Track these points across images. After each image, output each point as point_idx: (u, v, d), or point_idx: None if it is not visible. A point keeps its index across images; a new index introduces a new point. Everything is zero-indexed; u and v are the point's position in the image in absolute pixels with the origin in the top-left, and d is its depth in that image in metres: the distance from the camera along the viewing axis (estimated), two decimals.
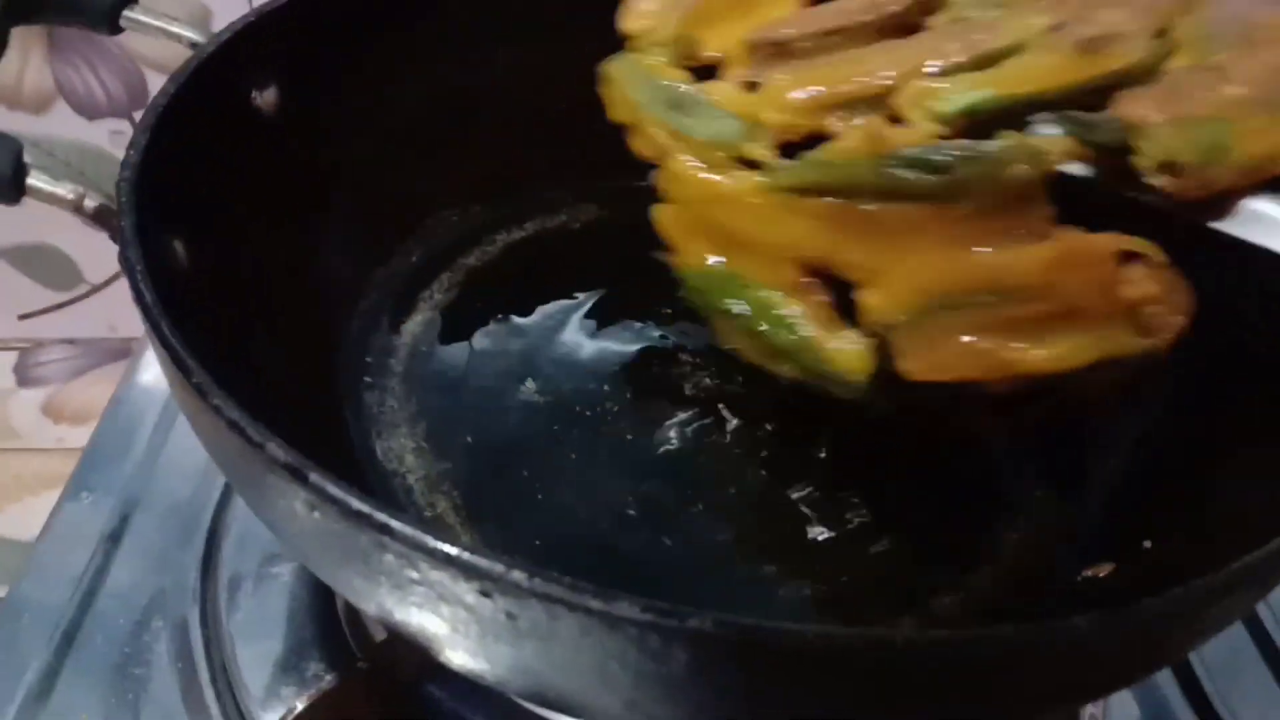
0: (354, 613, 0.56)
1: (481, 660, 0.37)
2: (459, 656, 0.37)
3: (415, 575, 0.34)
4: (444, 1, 0.65)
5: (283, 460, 0.35)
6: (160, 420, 0.70)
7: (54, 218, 0.58)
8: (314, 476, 0.34)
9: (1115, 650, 0.35)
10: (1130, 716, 0.60)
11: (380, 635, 0.53)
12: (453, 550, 0.32)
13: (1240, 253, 0.40)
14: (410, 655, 0.51)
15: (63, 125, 1.04)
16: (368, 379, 0.59)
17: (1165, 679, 0.62)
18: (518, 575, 0.31)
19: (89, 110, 1.03)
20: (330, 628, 0.56)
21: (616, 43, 0.68)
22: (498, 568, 0.32)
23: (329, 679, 0.52)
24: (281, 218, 0.59)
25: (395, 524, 0.33)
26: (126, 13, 0.58)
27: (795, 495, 0.55)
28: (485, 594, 0.32)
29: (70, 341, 1.20)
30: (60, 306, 1.18)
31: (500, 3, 0.67)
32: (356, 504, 0.33)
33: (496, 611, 0.33)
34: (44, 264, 1.14)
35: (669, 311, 0.64)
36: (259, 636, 0.57)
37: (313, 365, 0.58)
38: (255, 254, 0.56)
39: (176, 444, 0.68)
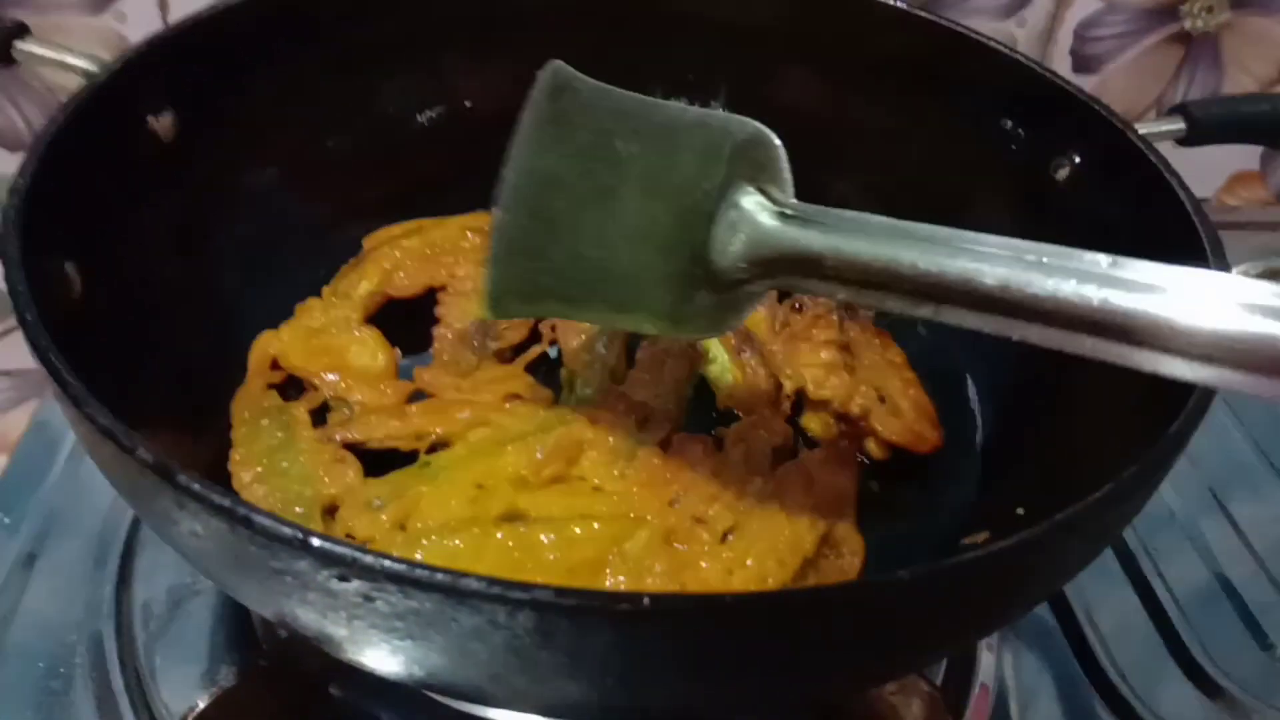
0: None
1: (356, 646, 0.39)
2: (336, 645, 0.39)
3: (279, 565, 0.35)
4: (330, 28, 0.67)
5: (151, 462, 0.36)
6: (76, 445, 0.71)
7: None
8: (180, 476, 0.36)
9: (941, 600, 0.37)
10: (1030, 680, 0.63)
11: (283, 634, 0.55)
12: (308, 538, 0.34)
13: None
14: (311, 653, 0.53)
15: None
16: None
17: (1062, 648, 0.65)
18: (369, 559, 0.33)
19: (10, 142, 1.04)
20: (242, 632, 0.58)
21: (494, 56, 0.71)
22: (349, 552, 0.33)
23: (229, 678, 0.53)
24: (180, 240, 0.60)
25: (255, 516, 0.35)
26: (18, 44, 0.59)
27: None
28: (343, 578, 0.34)
29: (6, 373, 1.20)
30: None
31: (385, 29, 0.69)
32: (218, 499, 0.35)
33: (355, 595, 0.35)
34: None
35: None
36: (173, 645, 0.58)
37: (211, 378, 0.60)
38: (152, 274, 0.57)
39: (91, 467, 0.68)
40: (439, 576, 0.33)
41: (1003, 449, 0.62)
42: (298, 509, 0.53)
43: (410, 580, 0.33)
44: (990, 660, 0.61)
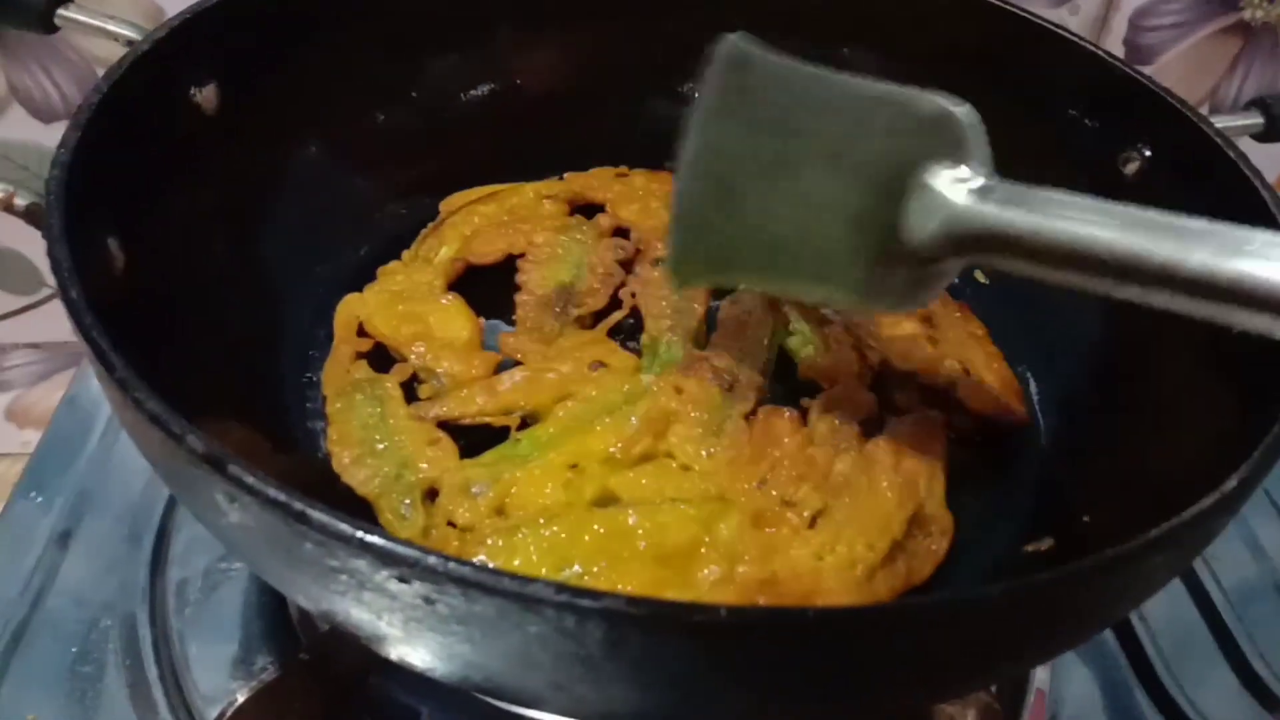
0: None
1: (409, 647, 0.37)
2: (388, 644, 0.38)
3: (335, 564, 0.34)
4: (377, 3, 0.65)
5: (201, 451, 0.35)
6: (111, 421, 0.69)
7: (14, 222, 0.58)
8: (232, 467, 0.34)
9: (1021, 618, 0.35)
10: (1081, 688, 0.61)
11: (324, 627, 0.54)
12: (367, 537, 0.32)
13: None
14: (353, 647, 0.51)
15: (19, 129, 1.03)
16: (310, 375, 0.59)
17: (1115, 655, 0.63)
18: (433, 560, 0.32)
19: (44, 113, 1.02)
20: (279, 622, 0.57)
21: (545, 33, 0.68)
22: (412, 553, 0.32)
23: (270, 671, 0.52)
24: (223, 215, 0.59)
25: (312, 512, 0.33)
26: (61, 11, 0.58)
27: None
28: (403, 580, 0.33)
29: (34, 346, 1.19)
30: (23, 310, 1.17)
31: (435, 3, 0.67)
32: (273, 493, 0.33)
33: (415, 597, 0.33)
34: (6, 269, 1.13)
35: None
36: (208, 632, 0.57)
37: (256, 360, 0.58)
38: (196, 251, 0.56)
39: (127, 444, 0.67)
40: (507, 581, 0.31)
41: (1065, 450, 0.59)
42: (400, 496, 0.53)
43: (476, 584, 0.32)
44: (1044, 666, 0.60)
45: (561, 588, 0.31)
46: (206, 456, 0.35)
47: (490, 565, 0.48)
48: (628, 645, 0.32)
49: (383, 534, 0.32)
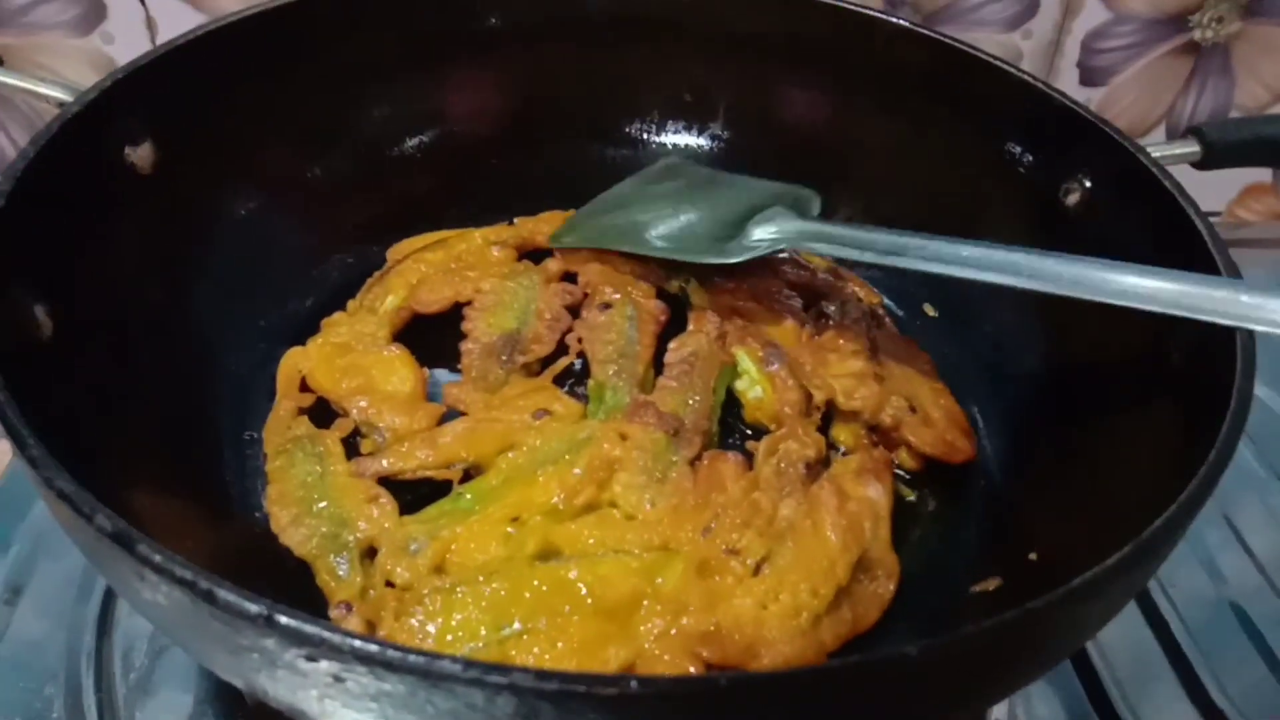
0: None
1: None
2: (309, 719, 0.37)
3: (245, 642, 0.33)
4: (311, 50, 0.65)
5: (109, 530, 0.34)
6: None
7: None
8: (141, 546, 0.34)
9: (954, 670, 0.35)
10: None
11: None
12: (274, 616, 0.32)
13: None
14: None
15: None
16: (251, 433, 0.59)
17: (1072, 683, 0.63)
18: (337, 639, 0.31)
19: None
20: (225, 685, 0.56)
21: (483, 78, 0.68)
22: (317, 632, 0.31)
23: None
24: (159, 274, 0.58)
25: (218, 591, 0.33)
26: None
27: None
28: (311, 659, 0.32)
29: None
30: None
31: (370, 54, 0.68)
32: (179, 571, 0.33)
33: (325, 675, 0.33)
34: None
35: None
36: (154, 698, 0.56)
37: (195, 420, 0.58)
38: (130, 313, 0.56)
39: None
40: (411, 659, 0.31)
41: (1012, 484, 0.59)
42: (336, 556, 0.52)
43: (381, 662, 0.31)
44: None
45: (469, 664, 0.31)
46: (115, 535, 0.34)
47: (423, 634, 0.47)
48: (540, 719, 0.32)
49: (289, 613, 0.32)
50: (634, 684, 0.31)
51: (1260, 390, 0.78)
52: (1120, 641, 0.64)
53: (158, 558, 0.33)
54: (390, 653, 0.31)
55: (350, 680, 0.32)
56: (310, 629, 0.31)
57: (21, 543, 0.65)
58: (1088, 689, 0.62)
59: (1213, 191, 1.04)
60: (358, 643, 0.31)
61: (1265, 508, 0.74)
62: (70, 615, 0.61)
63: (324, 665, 0.32)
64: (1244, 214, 1.09)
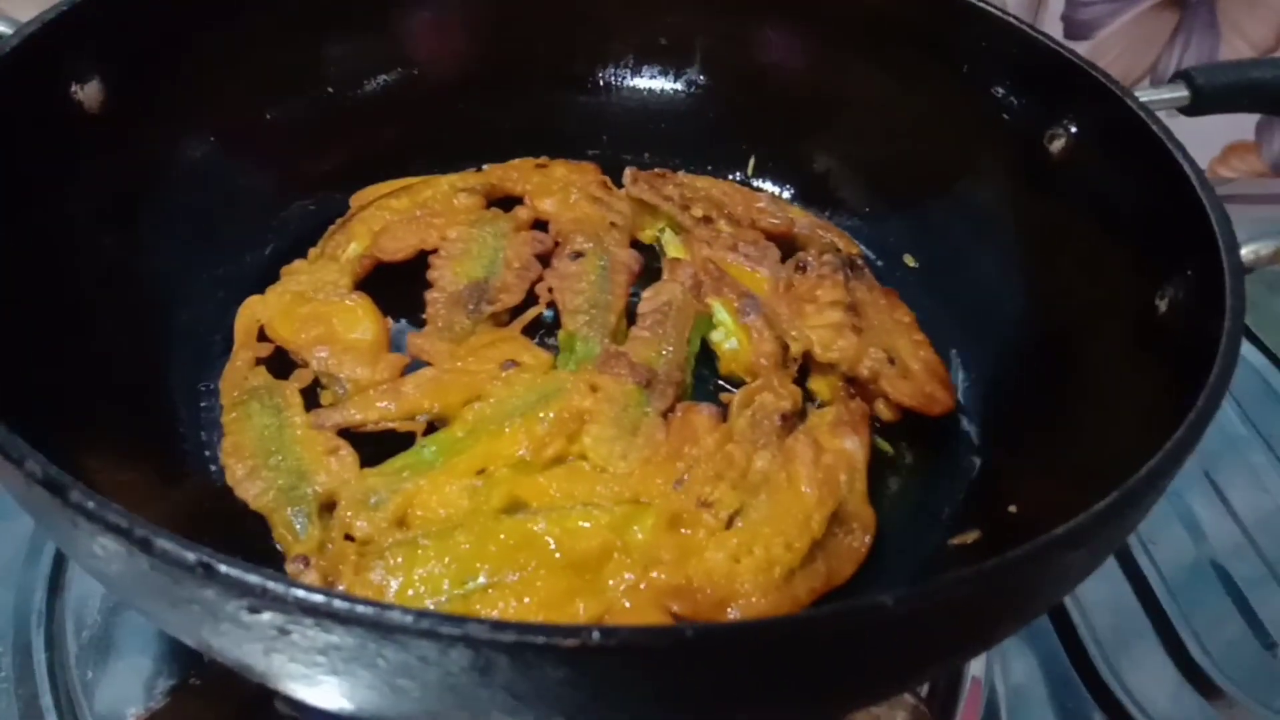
0: None
1: (276, 678, 0.35)
2: (256, 675, 0.35)
3: (184, 594, 0.31)
4: None
5: (40, 476, 0.32)
6: None
7: None
8: (74, 494, 0.32)
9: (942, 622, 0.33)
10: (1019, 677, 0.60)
11: None
12: (210, 563, 0.30)
13: None
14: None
15: None
16: (207, 384, 0.57)
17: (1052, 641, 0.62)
18: (278, 588, 0.29)
19: None
20: (180, 643, 0.54)
21: (448, 19, 0.66)
22: (258, 581, 0.29)
23: (160, 696, 0.49)
24: (110, 218, 0.56)
25: (156, 540, 0.31)
26: None
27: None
28: (254, 610, 0.30)
29: None
30: None
31: None
32: (113, 518, 0.31)
33: (269, 628, 0.31)
34: None
35: None
36: (107, 655, 0.54)
37: (149, 369, 0.55)
38: (80, 259, 0.53)
39: None
40: (359, 609, 0.29)
41: (992, 437, 0.58)
42: (293, 509, 0.50)
43: (328, 613, 0.29)
44: (980, 657, 0.58)
45: (421, 614, 0.29)
46: (46, 481, 0.32)
47: (384, 588, 0.46)
48: (495, 671, 0.30)
49: (228, 561, 0.30)
50: (595, 634, 0.29)
51: (1245, 349, 0.78)
52: (1101, 600, 0.63)
53: (90, 504, 0.32)
54: (336, 603, 0.29)
55: (296, 633, 0.30)
56: (251, 578, 0.30)
57: None
58: (1067, 647, 0.61)
59: (1194, 149, 1.02)
60: (301, 593, 0.29)
61: (1248, 467, 0.73)
62: (19, 575, 0.59)
63: (267, 617, 0.30)
64: (1226, 172, 1.08)
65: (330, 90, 0.68)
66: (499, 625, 0.29)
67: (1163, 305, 0.51)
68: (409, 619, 0.29)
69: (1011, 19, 0.63)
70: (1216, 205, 0.49)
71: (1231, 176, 1.08)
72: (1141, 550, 0.66)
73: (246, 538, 0.50)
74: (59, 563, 0.59)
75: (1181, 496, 0.70)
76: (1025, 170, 0.63)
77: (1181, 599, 0.64)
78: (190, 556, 0.30)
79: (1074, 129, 0.60)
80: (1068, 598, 0.62)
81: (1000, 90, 0.64)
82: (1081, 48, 0.98)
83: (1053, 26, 0.97)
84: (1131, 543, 0.66)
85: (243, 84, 0.63)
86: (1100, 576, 0.61)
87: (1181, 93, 0.60)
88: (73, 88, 0.55)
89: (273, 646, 0.32)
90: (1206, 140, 1.06)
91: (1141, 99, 0.57)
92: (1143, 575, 0.65)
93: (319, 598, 0.29)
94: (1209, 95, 0.60)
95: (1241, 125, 1.06)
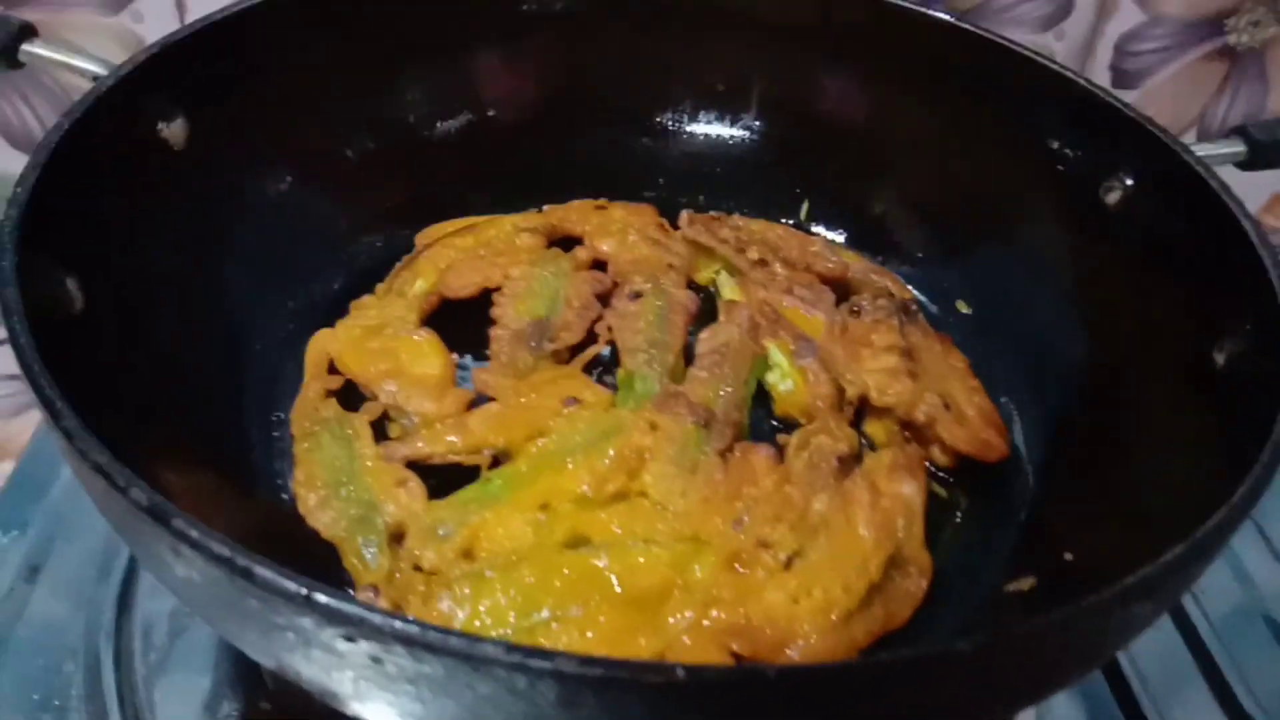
0: None
1: (361, 704, 0.36)
2: (340, 701, 0.36)
3: (281, 621, 0.33)
4: (349, 32, 0.65)
5: (145, 504, 0.34)
6: None
7: None
8: (176, 521, 0.33)
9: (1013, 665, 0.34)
10: None
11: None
12: (313, 595, 0.31)
13: None
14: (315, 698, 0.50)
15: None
16: (279, 414, 0.58)
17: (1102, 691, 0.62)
18: (378, 619, 0.31)
19: (24, 143, 1.02)
20: (247, 667, 0.55)
21: (519, 63, 0.67)
22: (358, 611, 0.31)
23: (228, 712, 0.51)
24: (191, 251, 0.58)
25: (256, 568, 0.32)
26: (25, 46, 0.57)
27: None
28: (349, 639, 0.32)
29: (13, 377, 1.18)
30: (3, 343, 1.17)
31: (407, 33, 0.67)
32: (217, 548, 0.32)
33: (363, 656, 0.32)
34: None
35: None
36: (173, 676, 0.56)
37: (223, 399, 0.57)
38: (162, 288, 0.55)
39: None
40: (454, 641, 0.30)
41: (1047, 484, 0.58)
42: (364, 539, 0.51)
43: (423, 644, 0.30)
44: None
45: (512, 648, 0.30)
46: (150, 509, 0.34)
47: (452, 618, 0.47)
48: (581, 706, 0.31)
49: (329, 592, 0.31)
50: (680, 672, 0.30)
51: None
52: (1151, 650, 0.63)
53: (194, 533, 0.33)
54: (431, 634, 0.30)
55: (389, 662, 0.32)
56: (351, 609, 0.31)
57: (41, 523, 0.64)
58: (1118, 697, 0.61)
59: (1242, 198, 1.03)
60: (399, 624, 0.30)
61: None
62: (90, 595, 0.60)
63: (363, 646, 0.31)
64: (1272, 221, 1.08)
65: (402, 130, 0.69)
66: (587, 660, 0.30)
67: (1220, 358, 0.51)
68: (500, 651, 0.30)
69: (1063, 69, 0.64)
70: (1273, 257, 0.50)
71: (1279, 226, 1.08)
72: (1191, 600, 0.66)
73: (315, 562, 0.51)
74: (128, 582, 0.60)
75: (1232, 547, 0.70)
76: (1080, 221, 0.63)
77: (1231, 648, 0.64)
78: (291, 587, 0.31)
79: (1130, 181, 0.61)
80: (1123, 658, 0.62)
81: (1055, 141, 0.65)
82: (1129, 96, 0.99)
83: (1101, 75, 0.98)
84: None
85: (318, 124, 0.65)
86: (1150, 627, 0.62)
87: (1239, 148, 0.61)
88: (159, 125, 0.57)
89: (363, 674, 0.33)
90: (1254, 189, 1.06)
91: (1199, 154, 0.58)
92: (1192, 624, 0.65)
93: (415, 628, 0.30)
94: (1266, 150, 0.61)
95: None
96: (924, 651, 0.33)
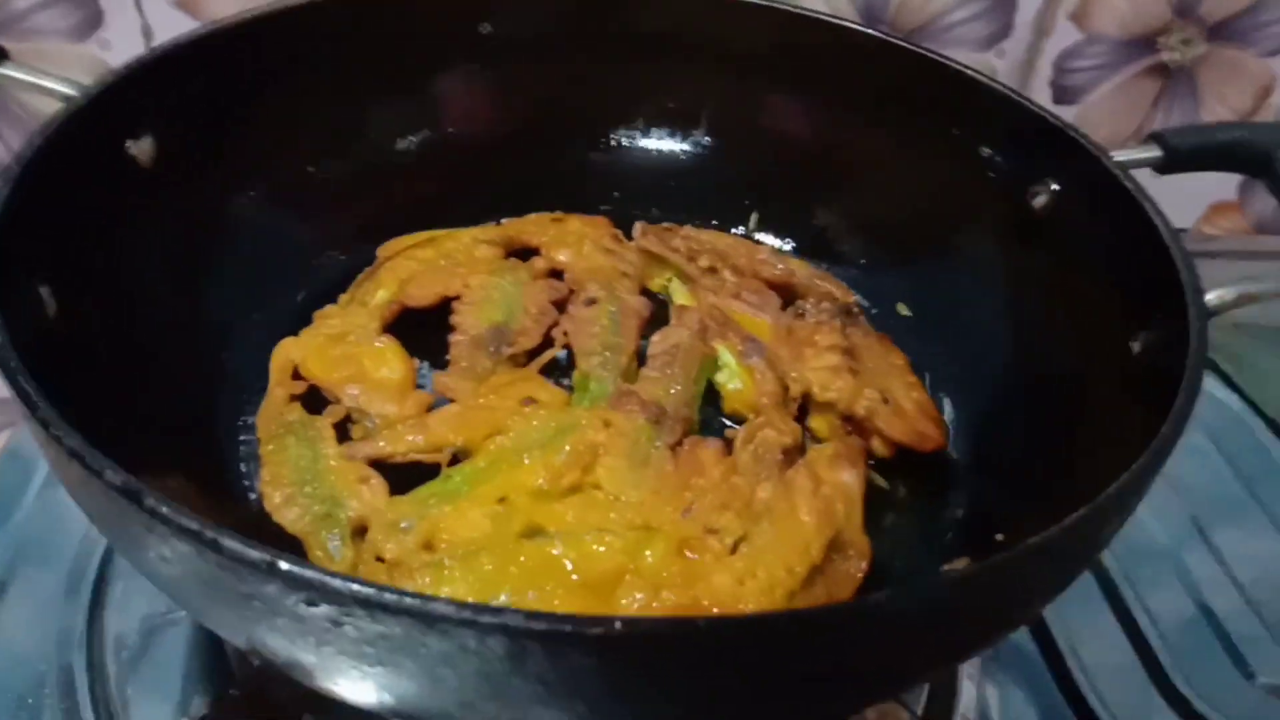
0: None
1: (325, 673, 0.38)
2: (306, 672, 0.39)
3: (247, 590, 0.35)
4: (310, 55, 0.67)
5: (119, 484, 0.36)
6: (50, 473, 0.70)
7: None
8: (149, 499, 0.36)
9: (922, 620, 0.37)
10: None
11: (256, 662, 0.54)
12: (277, 562, 0.33)
13: None
14: (285, 684, 0.52)
15: None
16: (244, 419, 0.61)
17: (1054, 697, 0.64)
18: (337, 582, 0.33)
19: None
20: (215, 663, 0.57)
21: (478, 83, 0.70)
22: (317, 575, 0.33)
23: (198, 708, 0.53)
24: (162, 263, 0.60)
25: (224, 540, 0.34)
26: None
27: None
28: (311, 603, 0.34)
29: None
30: None
31: (369, 56, 0.70)
32: (186, 522, 0.35)
33: (324, 620, 0.34)
34: None
35: None
36: (145, 676, 0.57)
37: (192, 405, 0.59)
38: (134, 299, 0.57)
39: (65, 495, 0.67)
40: (408, 600, 0.33)
41: (980, 472, 0.62)
42: (328, 533, 0.54)
43: (379, 604, 0.33)
44: (972, 691, 0.61)
45: (462, 605, 0.33)
46: (123, 489, 0.36)
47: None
48: (528, 660, 0.33)
49: (290, 559, 0.33)
50: (618, 624, 0.33)
51: (1238, 405, 0.81)
52: (1101, 658, 0.64)
53: (165, 509, 0.35)
54: (387, 595, 0.33)
55: (349, 624, 0.34)
56: (311, 574, 0.33)
57: (3, 546, 0.65)
58: (1071, 704, 0.63)
59: (1181, 208, 1.07)
60: (356, 586, 0.33)
61: (1242, 530, 0.75)
62: (60, 606, 0.62)
63: (324, 609, 0.34)
64: (1210, 230, 1.13)
65: (367, 149, 0.72)
66: (532, 615, 0.32)
67: (1136, 347, 0.55)
68: (452, 609, 0.33)
69: (998, 85, 0.68)
70: (1182, 253, 0.53)
71: (1216, 234, 1.13)
72: (1140, 606, 0.68)
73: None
74: (97, 594, 0.62)
75: (1178, 556, 0.72)
76: (1013, 225, 0.67)
77: (1179, 654, 0.65)
78: (256, 554, 0.34)
79: (1055, 185, 0.64)
80: (1069, 655, 0.64)
81: (987, 150, 0.68)
82: (1069, 112, 1.03)
83: (1041, 92, 1.02)
84: (1130, 600, 0.68)
85: (285, 143, 0.67)
86: (1099, 632, 0.65)
87: (1155, 152, 0.65)
88: (127, 143, 0.59)
89: (325, 639, 0.35)
90: (1193, 199, 1.11)
91: (1117, 158, 0.61)
92: (1141, 633, 0.66)
93: (370, 590, 0.33)
94: (1180, 155, 0.64)
95: (1225, 186, 1.11)
96: (842, 604, 0.35)
